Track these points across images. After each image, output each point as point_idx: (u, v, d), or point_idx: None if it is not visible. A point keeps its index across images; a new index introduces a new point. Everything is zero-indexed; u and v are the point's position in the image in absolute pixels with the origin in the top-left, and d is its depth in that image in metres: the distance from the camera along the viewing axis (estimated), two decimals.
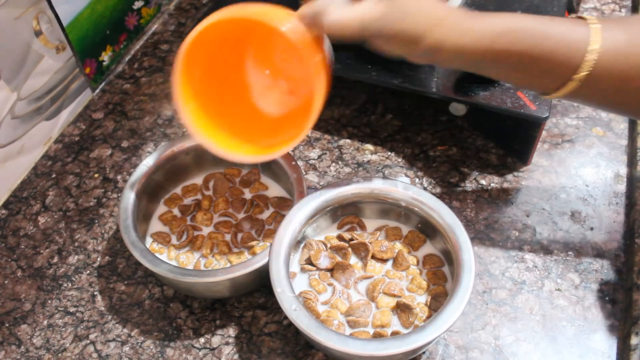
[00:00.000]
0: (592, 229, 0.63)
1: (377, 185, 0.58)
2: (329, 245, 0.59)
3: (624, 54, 0.44)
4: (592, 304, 0.58)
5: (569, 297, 0.58)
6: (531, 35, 0.45)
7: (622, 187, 0.67)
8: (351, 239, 0.58)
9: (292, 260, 0.57)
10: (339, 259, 0.58)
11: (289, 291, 0.51)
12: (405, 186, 0.58)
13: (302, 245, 0.59)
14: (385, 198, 0.59)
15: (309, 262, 0.57)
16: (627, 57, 0.44)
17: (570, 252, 0.62)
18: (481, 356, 0.55)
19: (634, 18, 0.47)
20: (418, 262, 0.58)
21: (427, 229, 0.59)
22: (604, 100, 0.49)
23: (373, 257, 0.58)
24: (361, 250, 0.58)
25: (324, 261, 0.57)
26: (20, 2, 0.64)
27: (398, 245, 0.59)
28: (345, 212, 0.61)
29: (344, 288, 0.56)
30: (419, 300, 0.55)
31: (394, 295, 0.55)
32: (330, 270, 0.57)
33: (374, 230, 0.61)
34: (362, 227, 0.61)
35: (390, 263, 0.58)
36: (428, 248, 0.59)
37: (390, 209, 0.60)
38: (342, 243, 0.58)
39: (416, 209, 0.57)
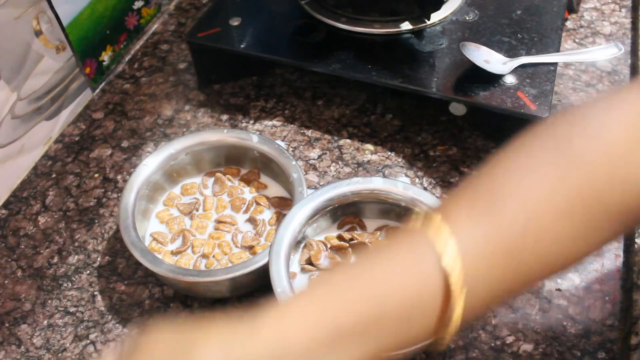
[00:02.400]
0: None
1: (377, 185, 0.58)
2: (329, 246, 0.59)
3: (484, 279, 0.36)
4: (592, 304, 0.58)
5: (569, 297, 0.58)
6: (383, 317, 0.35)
7: None
8: (351, 239, 0.58)
9: (292, 260, 0.57)
10: (339, 259, 0.58)
11: (289, 291, 0.51)
12: (405, 186, 0.58)
13: (302, 245, 0.59)
14: (385, 198, 0.59)
15: (309, 262, 0.57)
16: (485, 281, 0.36)
17: None
18: (481, 356, 0.55)
19: (489, 224, 0.37)
20: None
21: None
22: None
23: None
24: (361, 250, 0.58)
25: (324, 261, 0.57)
26: (20, 2, 0.64)
27: None
28: (345, 212, 0.61)
29: None
30: None
31: None
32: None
33: (374, 230, 0.60)
34: (362, 227, 0.61)
35: None
36: None
37: (390, 209, 0.60)
38: (342, 243, 0.58)
39: (416, 209, 0.57)
